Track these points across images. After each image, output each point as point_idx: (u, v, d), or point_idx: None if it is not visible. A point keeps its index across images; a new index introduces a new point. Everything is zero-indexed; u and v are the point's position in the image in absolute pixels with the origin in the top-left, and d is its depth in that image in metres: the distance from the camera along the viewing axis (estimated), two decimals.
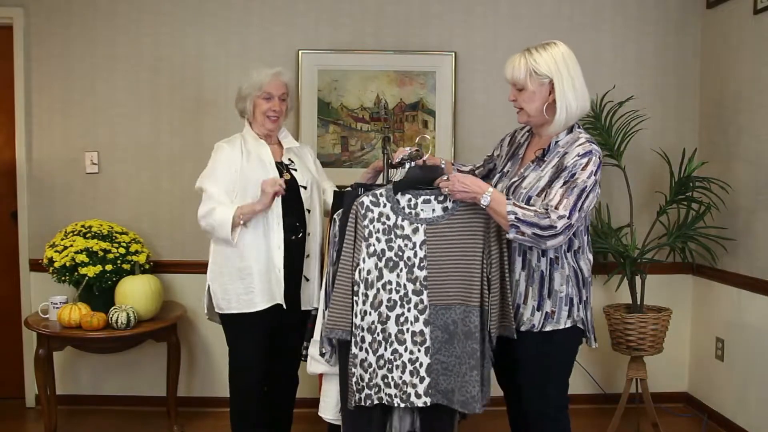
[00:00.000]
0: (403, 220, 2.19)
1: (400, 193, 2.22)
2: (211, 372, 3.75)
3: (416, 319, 2.17)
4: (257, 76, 2.73)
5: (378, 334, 2.18)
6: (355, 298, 2.19)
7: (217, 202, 2.63)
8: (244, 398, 2.78)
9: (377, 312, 2.18)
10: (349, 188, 2.44)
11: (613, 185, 3.63)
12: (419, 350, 2.17)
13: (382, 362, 2.19)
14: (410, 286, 2.18)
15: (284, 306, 2.67)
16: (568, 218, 2.05)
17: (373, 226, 2.19)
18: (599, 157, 2.14)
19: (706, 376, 3.69)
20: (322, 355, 2.33)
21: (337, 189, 2.90)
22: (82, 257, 3.25)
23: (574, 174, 2.10)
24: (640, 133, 3.50)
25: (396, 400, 2.18)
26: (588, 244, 2.30)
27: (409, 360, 2.17)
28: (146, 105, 3.69)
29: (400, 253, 2.18)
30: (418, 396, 2.17)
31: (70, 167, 3.70)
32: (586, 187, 2.09)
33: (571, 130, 2.22)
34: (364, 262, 2.18)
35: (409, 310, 2.18)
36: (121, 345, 3.34)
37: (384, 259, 2.18)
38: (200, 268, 3.44)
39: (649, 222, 3.54)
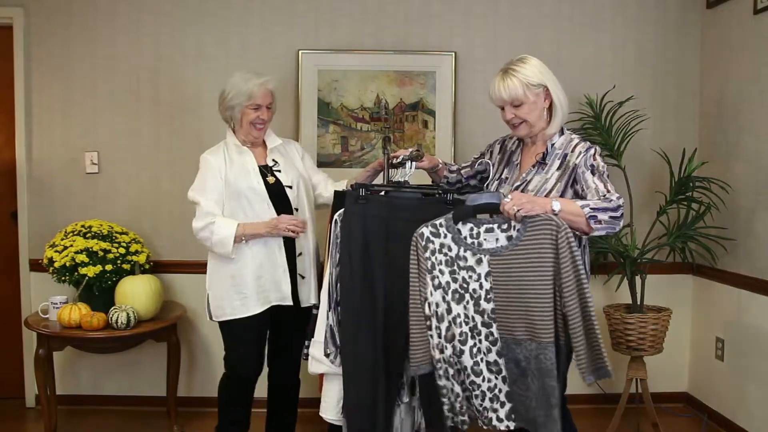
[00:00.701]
0: (465, 251, 2.10)
1: (460, 223, 2.12)
2: (211, 372, 3.74)
3: (489, 350, 2.11)
4: (245, 85, 2.73)
5: (456, 365, 2.13)
6: (430, 332, 2.12)
7: (213, 216, 2.68)
8: (236, 389, 2.87)
9: (451, 345, 2.11)
10: (350, 188, 2.44)
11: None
12: (497, 378, 2.11)
13: (467, 392, 2.15)
14: (479, 318, 2.10)
15: (291, 303, 2.74)
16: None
17: (435, 258, 2.11)
18: (598, 147, 2.35)
19: (706, 376, 3.69)
20: (327, 355, 2.34)
21: (336, 183, 2.95)
22: (82, 257, 3.25)
23: (593, 165, 2.28)
24: (640, 133, 3.50)
25: (479, 422, 2.15)
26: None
27: (488, 388, 2.12)
28: (146, 105, 3.69)
29: (465, 285, 2.10)
30: (499, 420, 2.11)
31: (70, 167, 3.70)
32: (607, 173, 2.30)
33: (562, 132, 2.40)
34: (431, 295, 2.11)
35: (480, 341, 2.11)
36: (121, 345, 3.34)
37: (450, 292, 2.11)
38: (200, 268, 3.44)
39: (649, 222, 3.54)
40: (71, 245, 3.29)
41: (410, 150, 2.50)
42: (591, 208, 2.15)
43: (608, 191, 2.22)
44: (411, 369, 2.17)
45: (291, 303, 2.73)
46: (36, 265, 3.63)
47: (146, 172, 3.71)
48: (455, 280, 2.10)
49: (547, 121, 2.37)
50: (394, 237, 2.32)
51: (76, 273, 3.26)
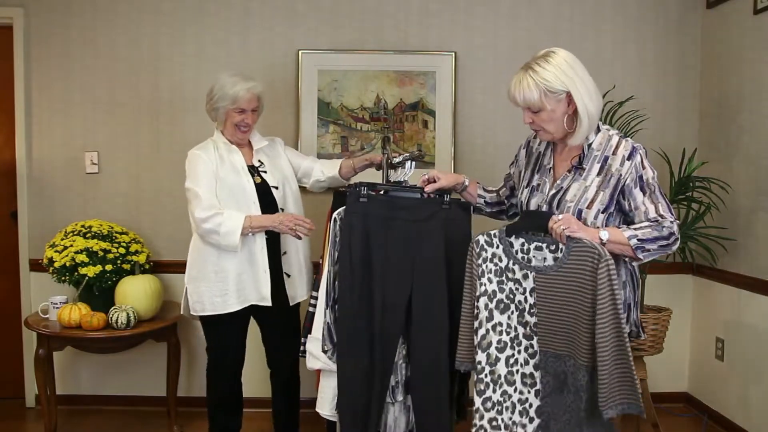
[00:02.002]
0: (514, 264, 2.10)
1: (513, 236, 2.11)
2: None
3: (526, 362, 2.09)
4: (232, 89, 2.75)
5: (486, 376, 2.10)
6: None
7: (219, 208, 2.68)
8: (221, 389, 2.90)
9: (485, 353, 2.10)
10: (347, 188, 2.44)
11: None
12: (529, 391, 2.08)
13: (489, 405, 2.10)
14: (521, 330, 2.09)
15: (270, 304, 2.75)
16: (676, 218, 2.09)
17: (486, 266, 2.12)
18: (642, 147, 2.12)
19: (706, 376, 3.69)
20: (324, 351, 2.34)
21: (327, 163, 3.02)
22: (82, 257, 3.25)
23: (642, 177, 2.08)
24: (640, 133, 3.50)
25: None
26: None
27: (519, 400, 2.09)
28: (146, 105, 3.69)
29: (512, 296, 2.10)
30: None
31: (70, 167, 3.70)
32: (657, 183, 2.11)
33: (598, 129, 2.15)
34: (477, 300, 2.12)
35: (519, 352, 2.09)
36: (121, 345, 3.34)
37: (495, 301, 2.11)
38: None
39: None
40: (71, 245, 3.29)
41: (410, 152, 2.49)
42: (639, 239, 2.03)
43: (661, 215, 2.07)
44: (456, 363, 2.20)
45: (270, 304, 2.74)
46: (36, 265, 3.63)
47: (146, 172, 3.71)
48: (502, 290, 2.10)
49: (567, 130, 2.12)
50: (393, 236, 2.32)
51: (76, 273, 3.26)
